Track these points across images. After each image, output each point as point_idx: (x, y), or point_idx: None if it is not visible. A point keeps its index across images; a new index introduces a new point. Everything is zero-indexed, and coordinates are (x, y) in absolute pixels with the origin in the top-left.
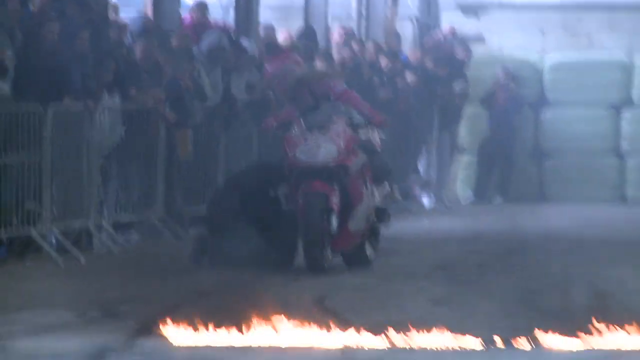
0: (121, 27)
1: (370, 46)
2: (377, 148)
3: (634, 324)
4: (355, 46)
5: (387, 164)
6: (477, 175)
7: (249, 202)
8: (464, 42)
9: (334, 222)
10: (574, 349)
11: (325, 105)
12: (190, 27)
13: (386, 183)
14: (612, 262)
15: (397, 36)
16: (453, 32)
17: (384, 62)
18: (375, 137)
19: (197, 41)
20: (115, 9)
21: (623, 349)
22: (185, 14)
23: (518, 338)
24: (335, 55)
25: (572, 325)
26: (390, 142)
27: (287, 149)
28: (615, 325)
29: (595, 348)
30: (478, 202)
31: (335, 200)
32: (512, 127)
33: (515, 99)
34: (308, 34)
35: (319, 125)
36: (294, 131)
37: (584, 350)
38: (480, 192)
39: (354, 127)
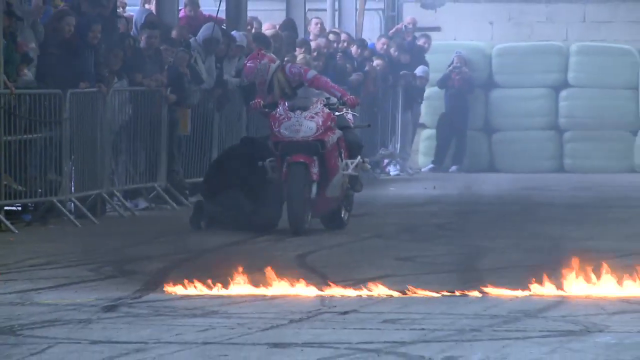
0: (128, 21)
1: (343, 36)
2: (350, 124)
3: (574, 272)
4: (330, 36)
5: (359, 138)
6: (435, 147)
7: (239, 172)
8: (423, 32)
9: (314, 189)
10: (519, 296)
11: (301, 91)
12: (185, 19)
13: (358, 155)
14: (554, 221)
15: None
16: (413, 23)
17: (354, 49)
18: (349, 115)
19: (191, 32)
20: (123, 4)
21: (566, 295)
22: (181, 8)
23: (472, 287)
24: (312, 44)
25: (519, 276)
26: (361, 120)
27: (273, 126)
28: (558, 274)
29: (539, 294)
30: (436, 171)
31: (314, 171)
32: (465, 106)
33: (468, 81)
34: (289, 26)
35: (300, 105)
36: (278, 110)
37: (527, 297)
38: (438, 162)
39: (330, 106)
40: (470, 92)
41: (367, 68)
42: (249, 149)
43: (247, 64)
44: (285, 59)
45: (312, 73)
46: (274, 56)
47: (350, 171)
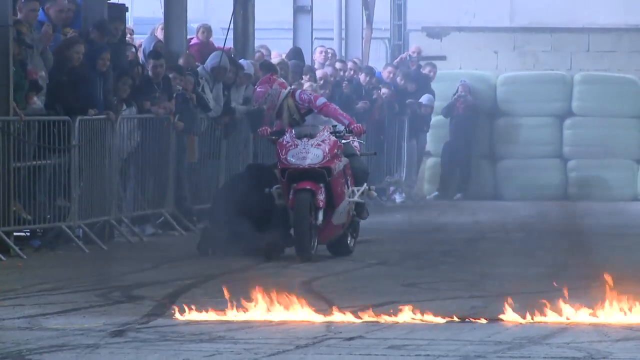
0: (136, 48)
1: (349, 64)
2: (356, 152)
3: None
4: (337, 65)
5: (365, 165)
6: (440, 175)
7: (246, 199)
8: (429, 60)
9: (320, 216)
10: (523, 322)
11: (310, 118)
12: (197, 47)
13: (364, 182)
14: (558, 249)
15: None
16: (418, 52)
17: (362, 77)
18: (355, 143)
19: (202, 60)
20: (130, 31)
21: (571, 322)
22: (193, 36)
23: (476, 314)
24: (318, 72)
25: (524, 303)
26: (367, 147)
27: (279, 153)
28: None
29: (543, 321)
30: (441, 198)
31: (321, 198)
32: (470, 134)
33: (472, 109)
34: (296, 54)
35: (307, 133)
36: (285, 138)
37: (532, 324)
38: (444, 190)
39: (337, 134)
40: (474, 120)
41: (374, 96)
42: (256, 176)
43: (258, 89)
44: (292, 86)
45: (321, 100)
46: (285, 82)
47: (356, 198)
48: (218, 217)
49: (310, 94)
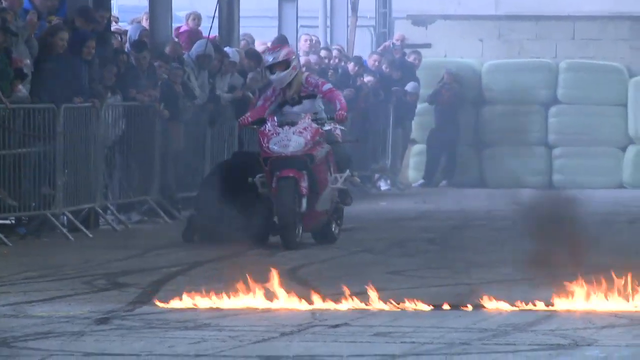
0: (121, 36)
1: (334, 52)
2: (338, 139)
3: (563, 287)
4: (322, 52)
5: (347, 152)
6: (425, 163)
7: (231, 186)
8: (414, 48)
9: (304, 203)
10: (508, 310)
11: (307, 102)
12: (186, 34)
13: (347, 169)
14: (539, 236)
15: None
16: (402, 40)
17: (351, 67)
18: (337, 130)
19: (190, 47)
20: (115, 19)
21: (556, 309)
22: (182, 24)
23: (462, 301)
24: (302, 60)
25: (509, 290)
26: (352, 135)
27: (262, 142)
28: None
29: (530, 309)
30: (427, 186)
31: (304, 185)
32: (455, 121)
33: (458, 97)
34: (281, 41)
35: (289, 121)
36: (267, 126)
37: (517, 311)
38: (429, 177)
39: (318, 122)
40: (459, 108)
41: (358, 83)
42: (241, 163)
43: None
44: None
45: (328, 85)
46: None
47: (339, 185)
48: (203, 205)
49: (318, 79)
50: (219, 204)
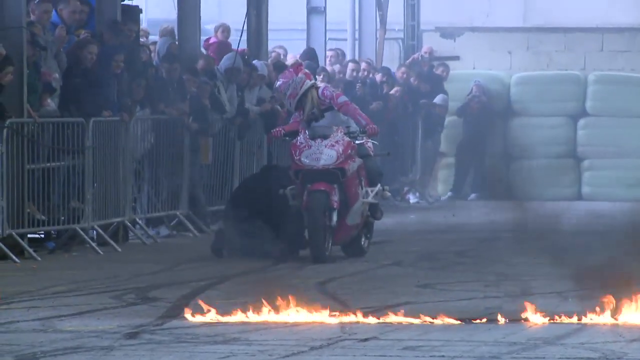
0: (150, 50)
1: (363, 65)
2: (370, 153)
3: (593, 300)
4: (350, 65)
5: (379, 166)
6: (454, 175)
7: (261, 200)
8: (442, 61)
9: (334, 217)
10: (538, 323)
11: (329, 115)
12: (215, 45)
13: (378, 183)
14: (573, 249)
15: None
16: (430, 52)
17: (379, 77)
18: (369, 143)
19: (219, 59)
20: (146, 33)
21: (585, 322)
22: (210, 36)
23: (492, 314)
24: (328, 69)
25: (539, 304)
26: (381, 148)
27: (293, 154)
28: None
29: (560, 322)
30: (455, 199)
31: (335, 199)
32: (484, 134)
33: (486, 109)
34: (309, 54)
35: (321, 134)
36: (299, 139)
37: (547, 324)
38: (457, 190)
39: (350, 135)
40: (488, 120)
41: (385, 91)
42: (271, 177)
43: (281, 80)
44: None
45: (343, 98)
46: (310, 73)
47: (370, 199)
48: (233, 219)
49: (333, 91)
50: (248, 217)
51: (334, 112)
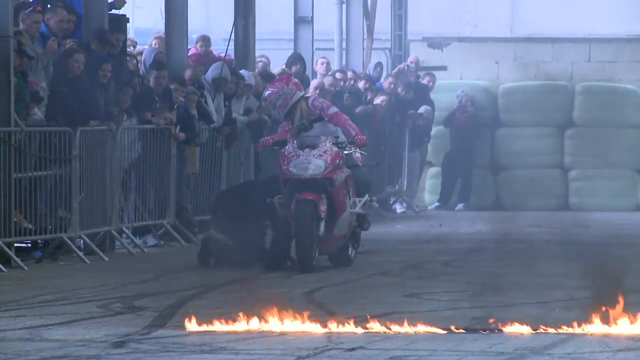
0: (137, 59)
1: (349, 74)
2: (358, 163)
3: (580, 310)
4: (338, 75)
5: (367, 176)
6: (441, 185)
7: (255, 205)
8: (430, 71)
9: (322, 227)
10: (525, 333)
11: (318, 126)
12: (195, 57)
13: (366, 193)
14: (560, 259)
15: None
16: (416, 62)
17: (362, 84)
18: (357, 154)
19: (203, 70)
20: (134, 43)
21: (572, 332)
22: (191, 47)
23: (478, 324)
24: (313, 82)
25: (525, 313)
26: (368, 157)
27: (282, 164)
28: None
29: (547, 332)
30: (442, 209)
31: (322, 208)
32: (471, 144)
33: (473, 119)
34: (297, 59)
35: (309, 144)
36: (287, 148)
37: (533, 334)
38: (444, 200)
39: (339, 145)
40: (475, 130)
41: (369, 99)
42: (270, 186)
43: (270, 89)
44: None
45: (333, 109)
46: (300, 84)
47: (358, 209)
48: (222, 217)
49: (323, 102)
50: (239, 221)
51: (323, 122)
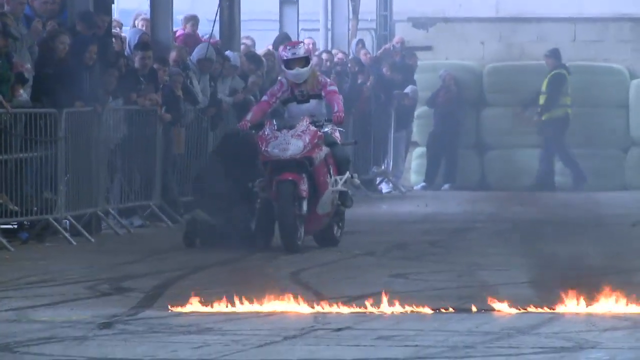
0: (122, 40)
1: (339, 55)
2: (337, 141)
3: (566, 289)
4: (324, 55)
5: (346, 154)
6: (426, 166)
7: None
8: (410, 51)
9: (304, 206)
10: (511, 313)
11: (313, 102)
12: (182, 38)
13: (347, 171)
14: (546, 239)
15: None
16: (402, 42)
17: (350, 65)
18: (337, 132)
19: (189, 52)
20: (120, 25)
21: (558, 312)
22: (179, 27)
23: (465, 304)
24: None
25: (512, 293)
26: (353, 137)
27: (260, 146)
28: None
29: (533, 311)
30: (428, 189)
31: (304, 188)
32: (454, 124)
33: (456, 99)
34: (284, 40)
35: (287, 125)
36: (265, 130)
37: (520, 314)
38: (430, 180)
39: (316, 124)
40: (458, 110)
41: (359, 81)
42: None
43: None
44: (280, 77)
45: (334, 87)
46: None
47: (339, 187)
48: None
49: (326, 79)
50: (216, 205)
51: (319, 101)
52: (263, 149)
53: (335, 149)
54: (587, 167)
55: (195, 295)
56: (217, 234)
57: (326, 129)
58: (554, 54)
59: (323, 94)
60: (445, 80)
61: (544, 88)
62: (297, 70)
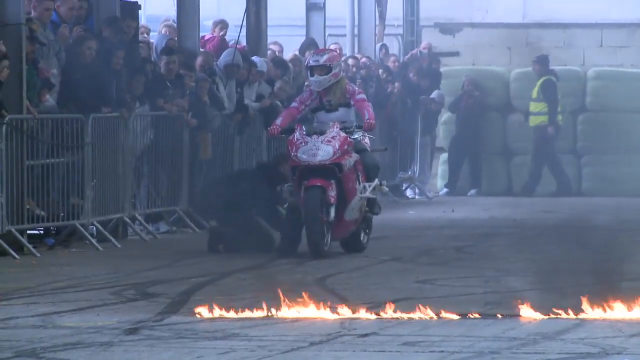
0: (149, 46)
1: (364, 60)
2: (366, 148)
3: (593, 295)
4: (350, 61)
5: (376, 161)
6: (449, 171)
7: (254, 195)
8: (436, 56)
9: (332, 212)
10: (537, 318)
11: (342, 110)
12: (213, 42)
13: (376, 178)
14: (572, 244)
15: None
16: (429, 48)
17: (381, 73)
18: (366, 139)
19: (217, 55)
20: (147, 30)
21: (584, 318)
22: (206, 33)
23: (491, 310)
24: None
25: (538, 298)
26: (380, 143)
27: (290, 150)
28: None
29: (559, 317)
30: (454, 194)
31: (332, 194)
32: (477, 129)
33: (479, 104)
34: (311, 46)
35: (317, 130)
36: (295, 135)
37: (546, 319)
38: (452, 185)
39: (346, 131)
40: (482, 115)
41: (388, 90)
42: (264, 173)
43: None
44: (306, 83)
45: (363, 95)
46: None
47: (368, 194)
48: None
49: (355, 88)
50: (240, 211)
51: (347, 109)
52: (292, 153)
53: (364, 155)
54: (622, 173)
55: (222, 301)
56: (238, 241)
57: (356, 136)
58: (542, 61)
59: (352, 102)
60: (466, 85)
61: (534, 95)
62: (317, 77)
